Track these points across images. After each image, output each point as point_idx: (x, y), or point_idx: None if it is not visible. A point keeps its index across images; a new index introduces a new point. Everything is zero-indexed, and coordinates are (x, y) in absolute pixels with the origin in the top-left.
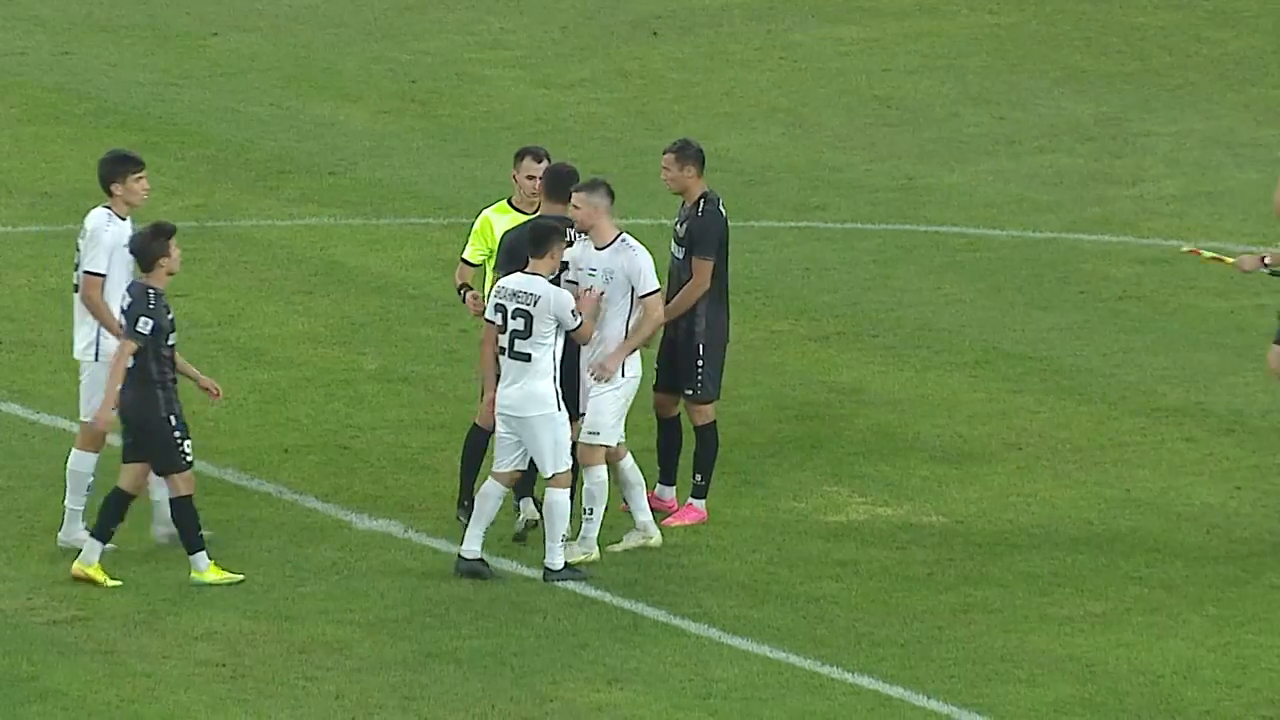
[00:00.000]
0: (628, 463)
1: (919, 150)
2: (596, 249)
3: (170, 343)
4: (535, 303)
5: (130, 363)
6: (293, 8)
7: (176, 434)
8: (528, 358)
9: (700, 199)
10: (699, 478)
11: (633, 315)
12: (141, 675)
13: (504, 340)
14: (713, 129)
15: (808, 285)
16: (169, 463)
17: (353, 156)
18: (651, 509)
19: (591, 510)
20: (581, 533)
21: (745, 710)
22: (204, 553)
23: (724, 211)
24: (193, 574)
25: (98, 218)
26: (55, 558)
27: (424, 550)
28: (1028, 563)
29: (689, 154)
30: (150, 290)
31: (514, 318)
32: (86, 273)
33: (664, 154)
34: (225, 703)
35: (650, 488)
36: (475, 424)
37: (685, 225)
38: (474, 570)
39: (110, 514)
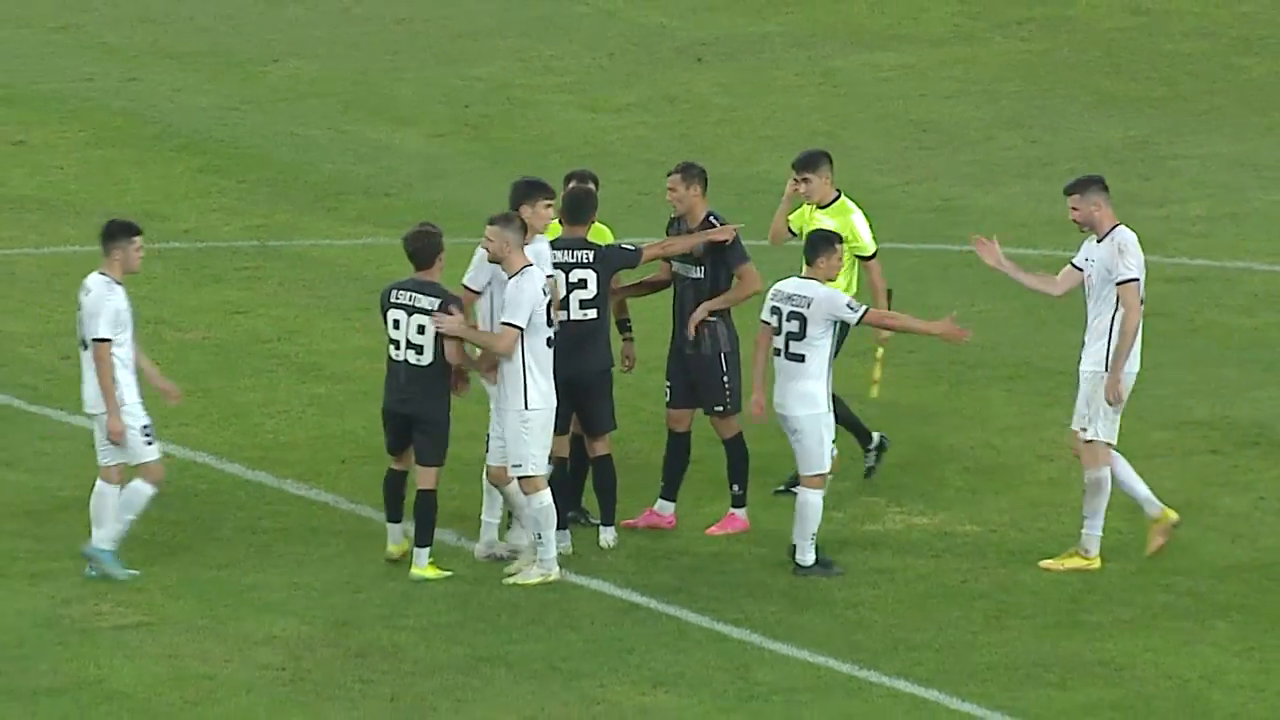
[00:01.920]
0: (512, 488)
1: (954, 172)
2: (506, 278)
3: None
4: (809, 305)
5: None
6: (351, 35)
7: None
8: (801, 359)
9: (708, 217)
10: (736, 488)
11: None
12: (204, 678)
13: (778, 342)
14: (755, 152)
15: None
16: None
17: (408, 178)
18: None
19: (541, 535)
20: (539, 555)
21: (786, 713)
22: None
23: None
24: (414, 568)
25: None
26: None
27: (475, 560)
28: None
29: (694, 174)
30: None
31: (789, 320)
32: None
33: (669, 175)
34: (285, 705)
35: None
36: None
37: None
38: None
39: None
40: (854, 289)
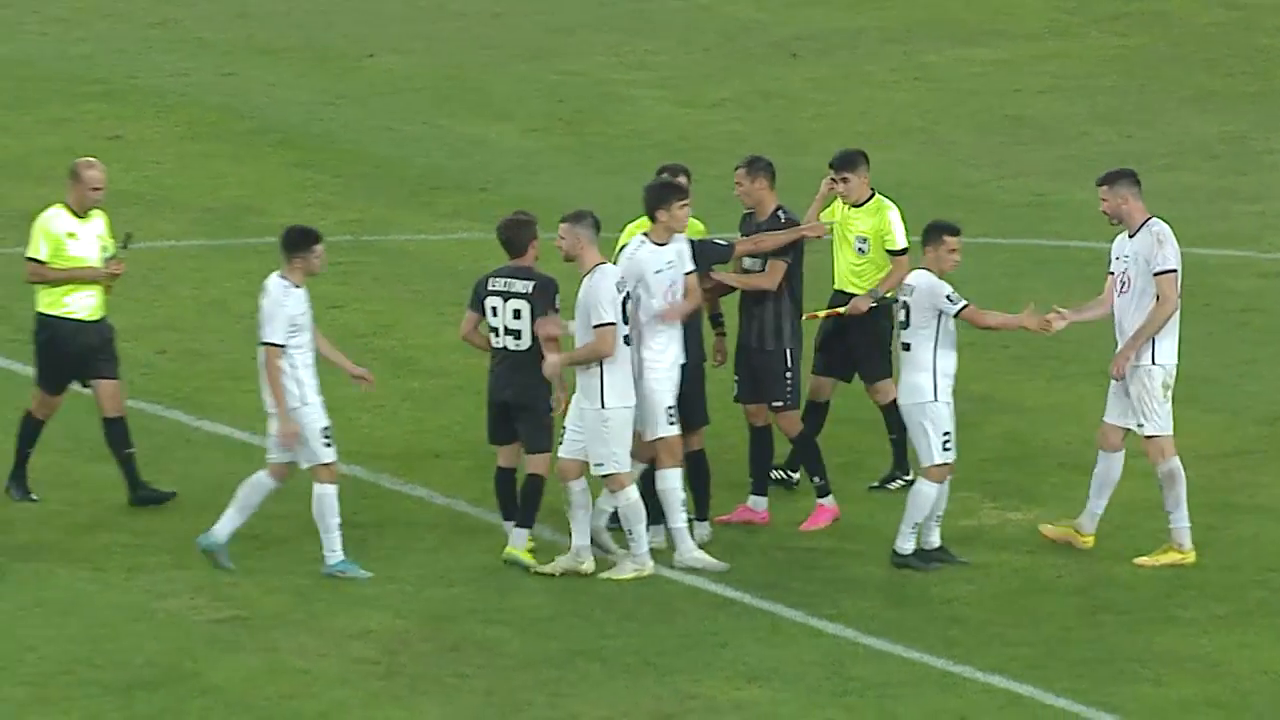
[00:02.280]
0: (579, 484)
1: (1049, 168)
2: (582, 276)
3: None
4: (913, 293)
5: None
6: (446, 30)
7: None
8: (907, 348)
9: (776, 210)
10: (817, 480)
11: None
12: (299, 672)
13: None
14: (849, 147)
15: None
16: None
17: (502, 173)
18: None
19: (632, 530)
20: (632, 551)
21: (880, 708)
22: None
23: (798, 222)
24: (509, 549)
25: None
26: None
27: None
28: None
29: (758, 168)
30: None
31: (899, 309)
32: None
33: (736, 169)
34: (380, 699)
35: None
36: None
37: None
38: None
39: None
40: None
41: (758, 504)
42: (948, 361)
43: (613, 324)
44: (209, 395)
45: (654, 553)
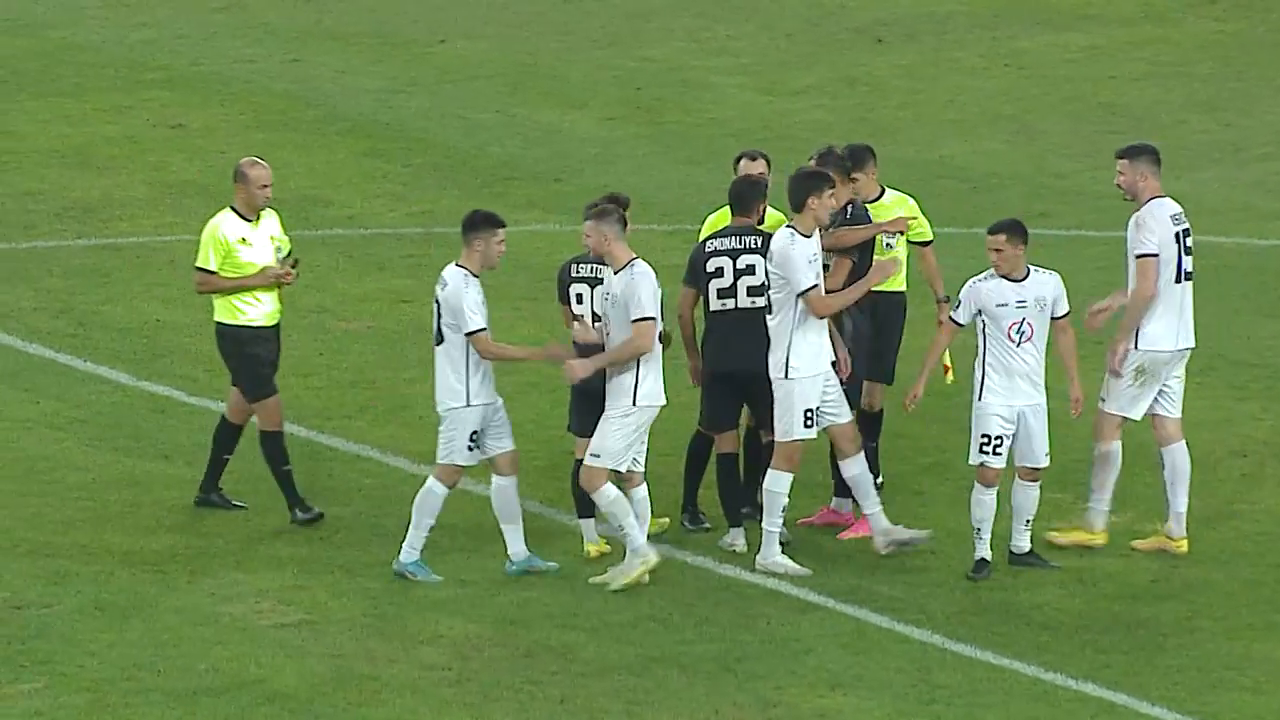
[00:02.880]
0: (640, 492)
1: None
2: (615, 273)
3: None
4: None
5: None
6: (520, 15)
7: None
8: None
9: (846, 205)
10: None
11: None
12: (368, 679)
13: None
14: (937, 136)
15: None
16: None
17: (578, 163)
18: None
19: (621, 526)
20: (629, 546)
21: (968, 716)
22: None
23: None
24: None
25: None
26: (282, 562)
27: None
28: (1252, 570)
29: (825, 162)
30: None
31: None
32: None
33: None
34: (451, 706)
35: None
36: (699, 430)
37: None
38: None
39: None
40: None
41: (841, 505)
42: (994, 360)
43: (654, 319)
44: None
45: (734, 555)
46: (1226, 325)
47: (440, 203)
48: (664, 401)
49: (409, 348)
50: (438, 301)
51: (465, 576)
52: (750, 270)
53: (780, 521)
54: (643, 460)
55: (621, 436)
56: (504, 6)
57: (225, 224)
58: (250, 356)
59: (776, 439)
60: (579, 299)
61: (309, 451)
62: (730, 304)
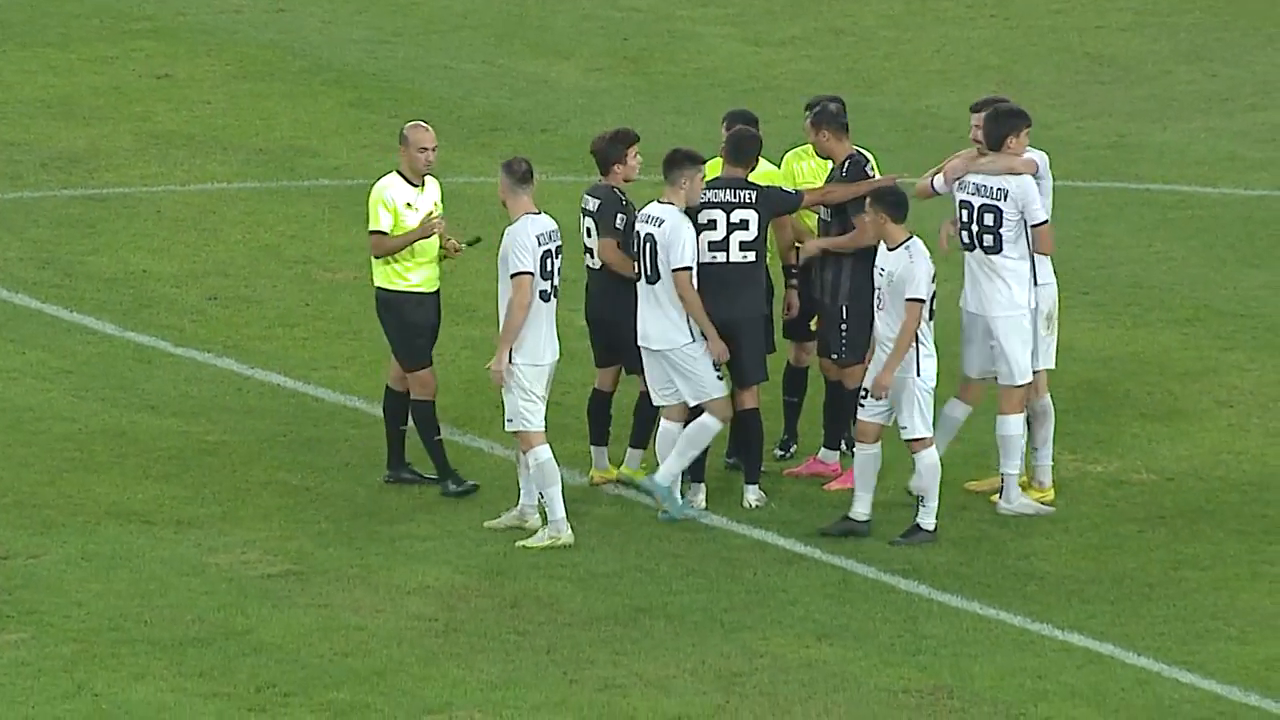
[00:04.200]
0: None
1: (1131, 108)
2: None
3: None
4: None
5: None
6: None
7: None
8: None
9: (846, 160)
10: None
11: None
12: (355, 629)
13: None
14: (923, 86)
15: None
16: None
17: (565, 114)
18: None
19: (544, 493)
20: (550, 516)
21: (955, 666)
22: (640, 452)
23: (869, 173)
24: (624, 468)
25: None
26: (269, 512)
27: (635, 506)
28: (1238, 520)
29: (821, 119)
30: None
31: None
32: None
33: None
34: (437, 656)
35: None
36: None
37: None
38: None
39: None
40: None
41: (828, 457)
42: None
43: (529, 273)
44: (261, 343)
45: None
46: (1213, 275)
47: None
48: (547, 359)
49: None
50: (651, 239)
51: (452, 527)
52: (744, 225)
53: (1019, 464)
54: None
55: (520, 395)
56: None
57: (391, 187)
58: (409, 325)
59: (1003, 382)
60: (588, 232)
61: (295, 402)
62: (722, 257)
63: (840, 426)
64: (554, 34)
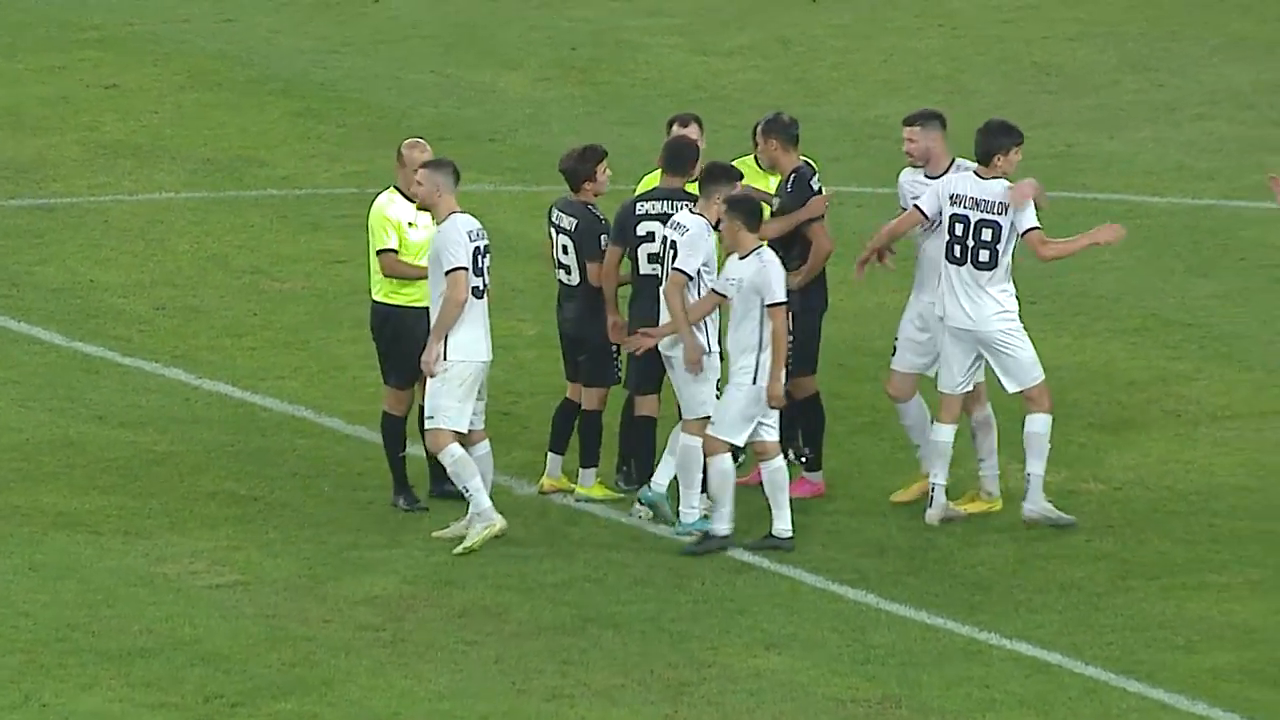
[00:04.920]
0: (482, 448)
1: (1078, 118)
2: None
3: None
4: None
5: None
6: None
7: (614, 348)
8: None
9: (792, 173)
10: (808, 451)
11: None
12: (302, 639)
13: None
14: (871, 96)
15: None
16: (601, 376)
17: (512, 123)
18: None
19: (466, 487)
20: (473, 509)
21: (902, 675)
22: (594, 470)
23: (814, 186)
24: (578, 488)
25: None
26: (216, 522)
27: (583, 516)
28: (1186, 529)
29: (771, 129)
30: (590, 208)
31: None
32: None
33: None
34: (385, 667)
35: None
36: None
37: (777, 199)
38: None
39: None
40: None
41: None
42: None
43: (462, 268)
44: (208, 353)
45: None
46: (1160, 285)
47: (374, 163)
48: (481, 357)
49: (343, 308)
50: (674, 245)
51: (399, 537)
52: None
53: (1042, 465)
54: (482, 416)
55: (446, 393)
56: None
57: (392, 206)
58: (405, 339)
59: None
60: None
61: (243, 412)
62: (659, 269)
63: (788, 436)
64: (502, 44)
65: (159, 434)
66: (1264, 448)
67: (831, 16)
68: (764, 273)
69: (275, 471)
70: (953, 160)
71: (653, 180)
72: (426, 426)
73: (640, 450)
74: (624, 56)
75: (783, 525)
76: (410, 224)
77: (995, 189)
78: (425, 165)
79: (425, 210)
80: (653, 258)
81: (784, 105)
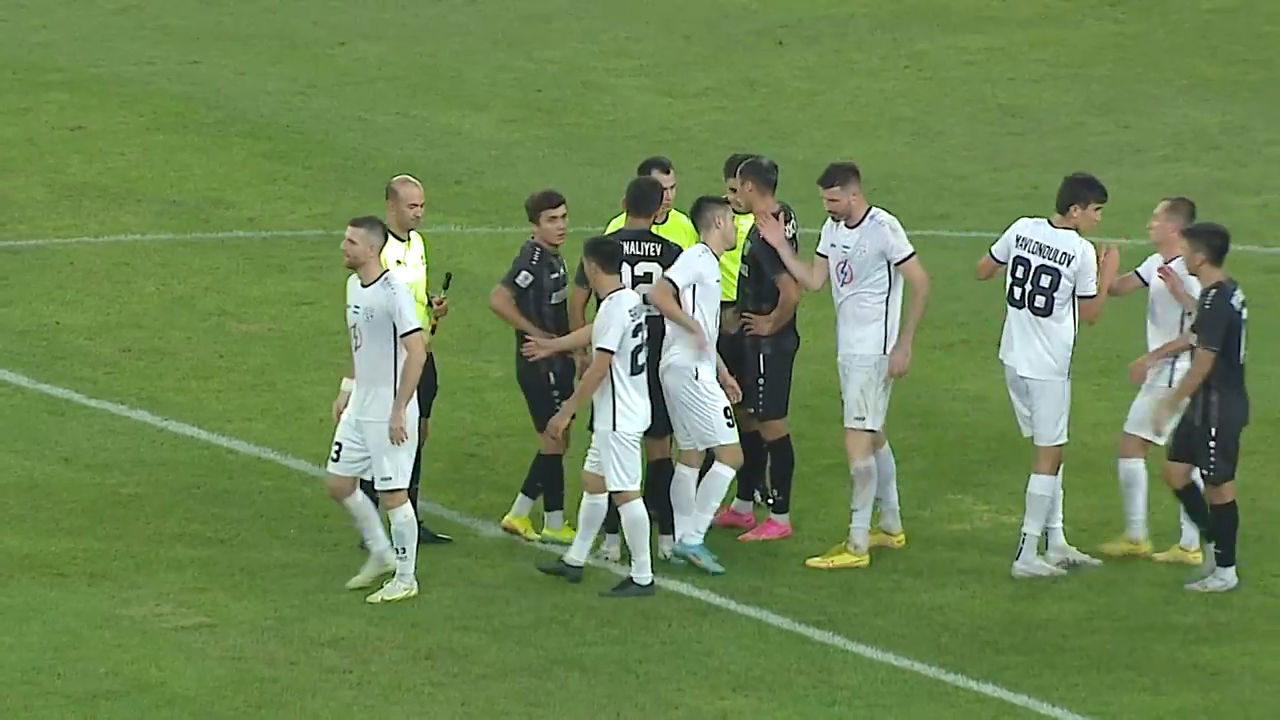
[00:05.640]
0: (355, 498)
1: (1043, 159)
2: (362, 286)
3: (553, 301)
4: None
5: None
6: (420, 18)
7: (554, 391)
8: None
9: (777, 215)
10: (776, 494)
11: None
12: (269, 681)
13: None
14: (837, 138)
15: (932, 294)
16: (542, 417)
17: (478, 165)
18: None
19: (404, 549)
20: (400, 570)
21: (869, 717)
22: (559, 512)
23: (795, 226)
24: (545, 530)
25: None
26: (183, 564)
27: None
28: (1152, 571)
29: (747, 172)
30: (536, 246)
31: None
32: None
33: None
34: (351, 709)
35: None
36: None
37: (750, 246)
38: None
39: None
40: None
41: (742, 507)
42: None
43: (421, 329)
44: (175, 395)
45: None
46: (1126, 326)
47: (341, 204)
48: (419, 414)
49: (309, 350)
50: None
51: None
52: (648, 278)
53: (1040, 525)
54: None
55: (397, 451)
56: (404, 9)
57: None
58: None
59: (1041, 443)
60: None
61: (209, 454)
62: None
63: (756, 477)
64: (468, 86)
65: (125, 476)
66: None
67: (797, 58)
68: (604, 319)
69: (241, 514)
70: (869, 209)
71: (621, 223)
72: (389, 487)
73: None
74: (590, 98)
75: (575, 555)
76: (399, 262)
77: (1064, 239)
78: (358, 224)
79: (353, 269)
80: None
81: (750, 147)
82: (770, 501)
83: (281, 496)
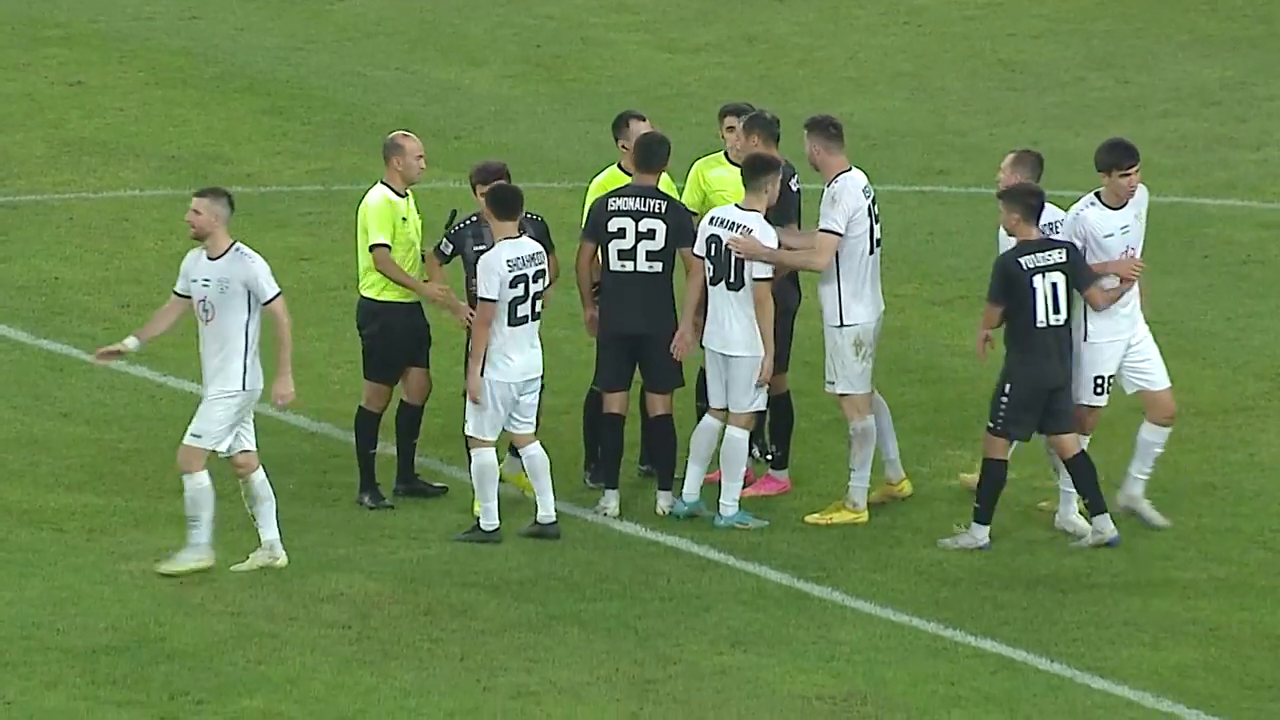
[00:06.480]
0: (258, 476)
1: (1043, 114)
2: (210, 259)
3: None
4: None
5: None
6: None
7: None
8: None
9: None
10: (775, 449)
11: (251, 322)
12: (268, 636)
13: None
14: (837, 93)
15: (931, 250)
16: None
17: (478, 120)
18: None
19: (197, 517)
20: (192, 540)
21: (869, 672)
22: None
23: (794, 187)
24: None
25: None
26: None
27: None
28: (1152, 530)
29: (752, 126)
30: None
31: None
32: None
33: (725, 115)
34: (351, 664)
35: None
36: (594, 389)
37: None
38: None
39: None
40: None
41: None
42: None
43: (280, 293)
44: (174, 351)
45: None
46: None
47: (340, 160)
48: (261, 388)
49: (308, 305)
50: (728, 246)
51: (365, 535)
52: (651, 235)
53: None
54: (251, 439)
55: (223, 419)
56: None
57: (383, 201)
58: (391, 336)
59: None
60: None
61: None
62: (629, 266)
63: (755, 433)
64: (467, 41)
65: (124, 431)
66: (1228, 444)
67: (797, 14)
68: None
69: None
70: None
71: (609, 180)
72: (186, 443)
73: (612, 448)
74: (589, 53)
75: (545, 512)
76: (404, 219)
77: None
78: (203, 194)
79: (198, 240)
80: (623, 254)
81: (749, 102)
82: (769, 457)
83: (280, 452)
